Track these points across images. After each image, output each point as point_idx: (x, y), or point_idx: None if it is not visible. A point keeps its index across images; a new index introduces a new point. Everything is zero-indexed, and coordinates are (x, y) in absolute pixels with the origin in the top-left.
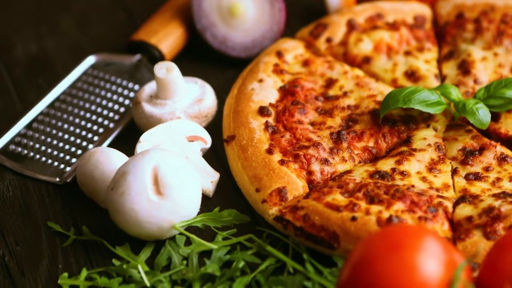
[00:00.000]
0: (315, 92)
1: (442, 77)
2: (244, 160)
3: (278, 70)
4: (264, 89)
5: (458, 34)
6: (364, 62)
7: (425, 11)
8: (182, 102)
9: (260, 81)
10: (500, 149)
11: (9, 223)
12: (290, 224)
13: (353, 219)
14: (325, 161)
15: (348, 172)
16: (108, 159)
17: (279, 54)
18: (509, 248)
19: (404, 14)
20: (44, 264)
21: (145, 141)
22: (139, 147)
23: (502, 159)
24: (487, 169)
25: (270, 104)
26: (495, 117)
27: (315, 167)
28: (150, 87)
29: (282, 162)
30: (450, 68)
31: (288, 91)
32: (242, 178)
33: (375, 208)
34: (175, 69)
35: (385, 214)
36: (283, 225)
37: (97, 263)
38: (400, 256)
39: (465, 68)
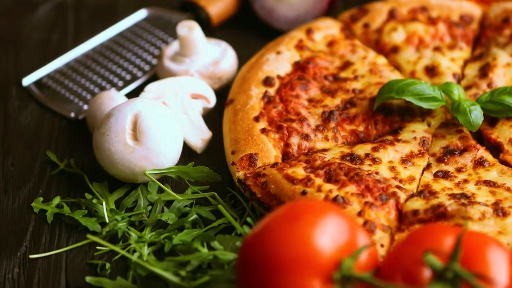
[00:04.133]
0: (327, 71)
1: (460, 77)
2: (232, 123)
3: (300, 46)
4: (279, 61)
5: (493, 37)
6: (391, 51)
7: (474, 11)
8: (199, 61)
9: (278, 53)
10: (482, 153)
11: (14, 147)
12: (247, 188)
13: (303, 193)
14: (306, 137)
15: (324, 150)
16: (112, 102)
17: (309, 31)
18: (412, 243)
19: (450, 11)
20: (28, 187)
21: (149, 91)
22: (141, 96)
23: (479, 163)
24: (459, 169)
25: (278, 76)
26: (493, 122)
27: (294, 140)
28: (177, 44)
29: (263, 130)
30: (472, 69)
31: (299, 66)
32: (226, 140)
33: (328, 186)
34: (196, 29)
35: (334, 194)
36: (243, 189)
37: (74, 195)
38: (293, 228)
39: (484, 71)
